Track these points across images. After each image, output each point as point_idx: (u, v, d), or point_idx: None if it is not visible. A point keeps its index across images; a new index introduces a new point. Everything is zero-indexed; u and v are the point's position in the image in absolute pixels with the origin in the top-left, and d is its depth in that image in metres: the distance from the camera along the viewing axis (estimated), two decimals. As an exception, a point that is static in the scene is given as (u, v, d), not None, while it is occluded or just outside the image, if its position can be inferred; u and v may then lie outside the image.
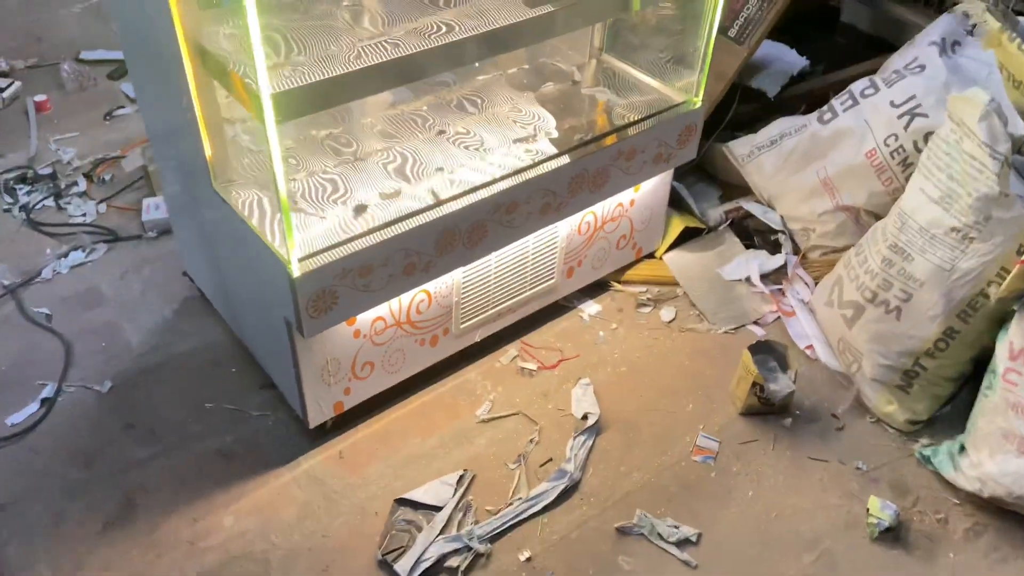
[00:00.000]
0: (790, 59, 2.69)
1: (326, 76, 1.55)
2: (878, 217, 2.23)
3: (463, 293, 2.01)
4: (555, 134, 2.04)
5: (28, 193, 2.68)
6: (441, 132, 2.03)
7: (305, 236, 1.69)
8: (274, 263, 1.64)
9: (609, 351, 2.25)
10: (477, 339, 2.15)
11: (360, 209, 1.78)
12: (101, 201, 2.67)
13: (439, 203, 1.79)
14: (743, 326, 2.35)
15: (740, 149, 2.51)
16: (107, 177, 2.78)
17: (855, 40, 2.97)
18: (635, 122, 2.06)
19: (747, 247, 2.52)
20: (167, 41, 1.58)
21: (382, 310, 1.85)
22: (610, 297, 2.43)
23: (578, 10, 1.85)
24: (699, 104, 2.13)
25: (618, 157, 2.02)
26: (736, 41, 2.42)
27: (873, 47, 2.82)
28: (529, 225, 1.96)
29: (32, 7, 3.76)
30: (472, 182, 1.86)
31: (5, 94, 3.10)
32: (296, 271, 1.59)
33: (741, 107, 2.63)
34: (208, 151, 1.72)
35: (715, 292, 2.42)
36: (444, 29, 1.75)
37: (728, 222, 2.57)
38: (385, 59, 1.62)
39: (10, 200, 2.65)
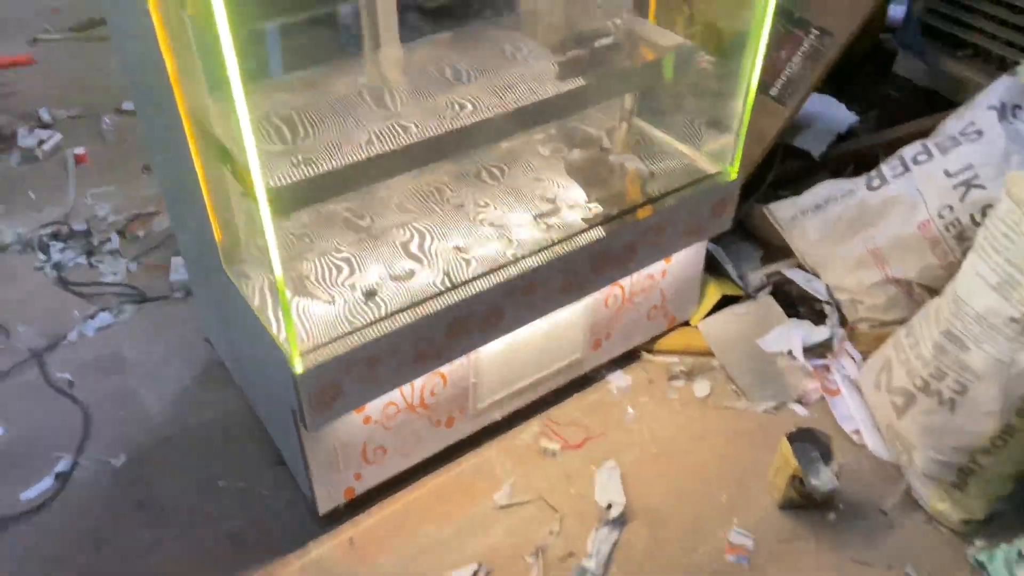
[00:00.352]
0: (837, 115, 2.55)
1: (329, 168, 1.49)
2: (932, 291, 2.07)
3: (480, 373, 1.92)
4: (581, 207, 1.94)
5: (62, 250, 2.70)
6: (460, 206, 1.95)
7: (311, 324, 1.63)
8: (277, 355, 1.57)
9: (638, 430, 2.13)
10: (497, 417, 2.06)
11: (371, 294, 1.71)
12: (132, 259, 2.67)
13: (453, 287, 1.71)
14: (784, 404, 2.20)
15: (783, 212, 2.37)
16: (140, 234, 2.78)
17: (909, 93, 2.80)
18: (665, 195, 1.95)
19: (789, 316, 2.37)
20: (172, 120, 1.54)
21: (393, 395, 1.77)
22: (641, 367, 2.31)
23: (610, 82, 1.77)
24: (735, 176, 2.01)
25: (647, 232, 1.91)
26: (778, 101, 2.29)
27: (928, 102, 2.66)
28: (549, 305, 1.86)
29: (78, 56, 3.84)
30: (490, 261, 1.78)
31: (46, 146, 3.14)
32: (299, 367, 1.52)
33: (784, 164, 2.50)
34: (217, 234, 1.67)
35: (754, 365, 2.28)
36: (466, 107, 1.68)
37: (769, 288, 2.43)
38: (396, 146, 1.56)
39: (43, 258, 2.67)
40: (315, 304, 1.68)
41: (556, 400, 2.19)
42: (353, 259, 1.80)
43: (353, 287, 1.72)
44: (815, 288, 2.33)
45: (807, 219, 2.31)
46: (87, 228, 2.78)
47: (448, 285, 1.72)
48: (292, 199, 1.50)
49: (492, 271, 1.74)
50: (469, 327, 1.73)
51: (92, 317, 2.46)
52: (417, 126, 1.64)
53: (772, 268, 2.48)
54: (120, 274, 2.63)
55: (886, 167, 2.16)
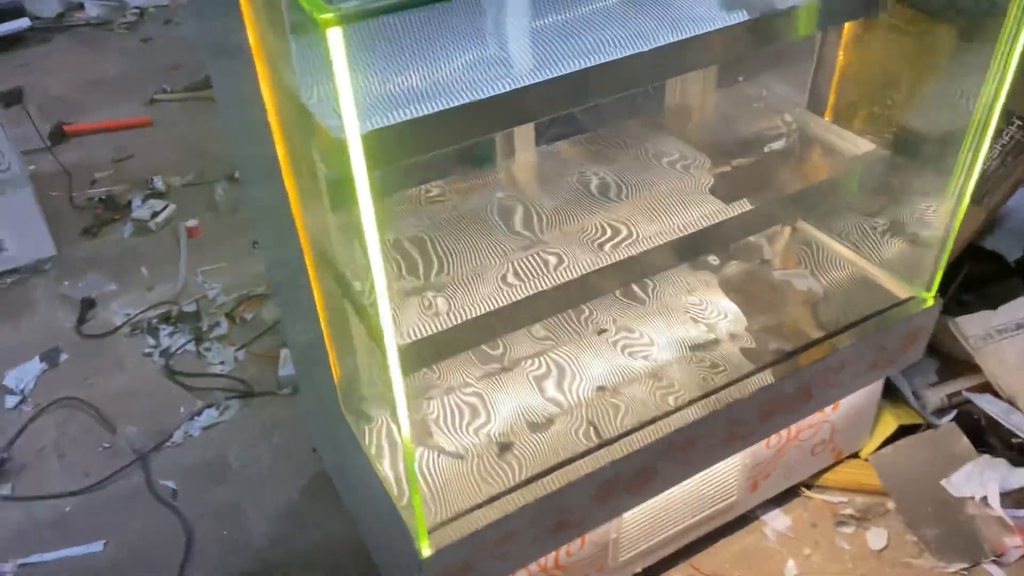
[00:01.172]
0: (1037, 211, 2.18)
1: (468, 318, 1.28)
2: None
3: (623, 528, 1.66)
4: (743, 336, 1.67)
5: (171, 335, 2.60)
6: (602, 331, 1.70)
7: (438, 485, 1.41)
8: (399, 527, 1.36)
9: (801, 588, 1.83)
10: (638, 570, 1.79)
11: (505, 447, 1.48)
12: (240, 347, 2.54)
13: (601, 444, 1.46)
14: (978, 563, 1.85)
15: (973, 329, 2.02)
16: (248, 316, 2.66)
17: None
18: (847, 327, 1.65)
19: (979, 450, 2.01)
20: (291, 242, 1.35)
21: (526, 560, 1.54)
22: (801, 506, 2.00)
23: (783, 206, 1.49)
24: (931, 303, 1.69)
25: (825, 372, 1.62)
26: (973, 201, 1.95)
27: None
28: (709, 460, 1.59)
29: (194, 117, 3.81)
30: (640, 406, 1.52)
31: (160, 218, 3.09)
32: (426, 550, 1.30)
33: (971, 267, 2.15)
34: (335, 373, 1.48)
35: (939, 512, 1.93)
36: (619, 234, 1.44)
37: (952, 413, 2.08)
38: (543, 286, 1.33)
39: (152, 343, 2.58)
40: (442, 459, 1.46)
41: (702, 544, 1.90)
42: (484, 397, 1.58)
43: (486, 433, 1.50)
44: (1015, 423, 1.96)
45: (1005, 340, 1.96)
46: (196, 309, 2.68)
47: (595, 440, 1.47)
48: (424, 355, 1.29)
49: (646, 424, 1.48)
50: (617, 489, 1.47)
51: (198, 414, 2.34)
52: (564, 258, 1.41)
53: (954, 387, 2.12)
54: (227, 363, 2.50)
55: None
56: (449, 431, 1.51)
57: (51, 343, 2.59)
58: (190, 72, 4.17)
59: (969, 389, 2.09)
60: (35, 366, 2.51)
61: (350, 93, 0.81)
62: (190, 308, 2.69)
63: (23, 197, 2.79)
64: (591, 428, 1.50)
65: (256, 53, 1.10)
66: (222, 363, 2.50)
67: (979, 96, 1.45)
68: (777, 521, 1.96)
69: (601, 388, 1.57)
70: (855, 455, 2.05)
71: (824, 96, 1.73)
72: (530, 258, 1.42)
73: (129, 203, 3.19)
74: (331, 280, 1.35)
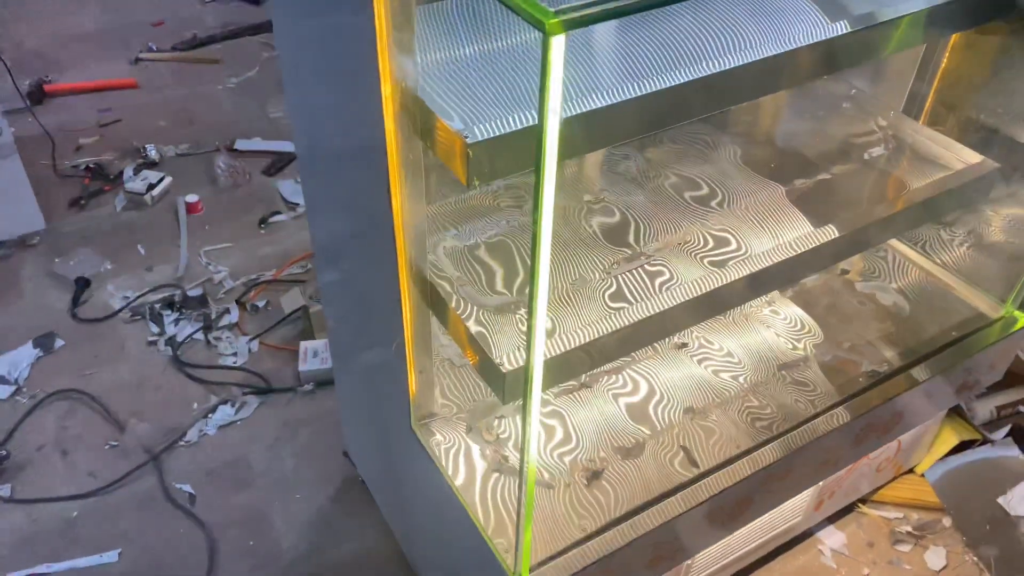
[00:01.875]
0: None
1: (575, 346, 1.16)
2: None
3: (697, 556, 1.57)
4: (829, 354, 1.58)
5: (176, 322, 2.42)
6: (683, 345, 1.60)
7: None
8: (486, 560, 1.24)
9: (863, 610, 1.77)
10: (701, 592, 1.72)
11: (595, 475, 1.37)
12: (253, 338, 2.38)
13: (697, 477, 1.36)
14: (1038, 586, 1.82)
15: (1035, 344, 1.97)
16: (261, 304, 2.49)
17: None
18: (940, 349, 1.57)
19: (1035, 467, 1.98)
20: (378, 244, 1.19)
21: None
22: (855, 522, 1.94)
23: (877, 230, 1.40)
24: (1023, 324, 1.63)
25: (918, 396, 1.54)
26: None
27: None
28: (800, 486, 1.51)
29: (184, 79, 3.57)
30: (730, 429, 1.43)
31: (156, 191, 2.87)
32: (525, 593, 1.19)
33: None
34: (412, 388, 1.35)
35: (997, 530, 1.89)
36: (727, 247, 1.33)
37: (1007, 429, 2.04)
38: (657, 307, 1.21)
39: (156, 330, 2.39)
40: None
41: (760, 562, 1.83)
42: (565, 417, 1.46)
43: (573, 461, 1.39)
44: (1077, 442, 1.93)
45: (1071, 357, 1.91)
46: (203, 294, 2.50)
47: (691, 470, 1.37)
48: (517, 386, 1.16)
49: (745, 454, 1.39)
50: (714, 522, 1.38)
51: (212, 411, 2.17)
52: (672, 273, 1.30)
53: (1004, 399, 2.08)
54: (241, 355, 2.33)
55: None
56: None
57: (44, 327, 2.39)
58: (175, 28, 3.90)
59: (1021, 401, 2.06)
60: (28, 352, 2.31)
61: (559, 106, 0.68)
62: (195, 293, 2.50)
63: (10, 164, 2.56)
64: (683, 453, 1.40)
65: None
66: (235, 355, 2.34)
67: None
68: (832, 538, 1.90)
69: (689, 409, 1.47)
70: (910, 470, 2.00)
71: (921, 99, 1.63)
72: (636, 275, 1.30)
73: (120, 173, 2.96)
74: (418, 291, 1.22)
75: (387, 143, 1.02)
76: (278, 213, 2.83)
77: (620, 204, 1.46)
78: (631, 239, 1.38)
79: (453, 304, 1.21)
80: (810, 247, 1.33)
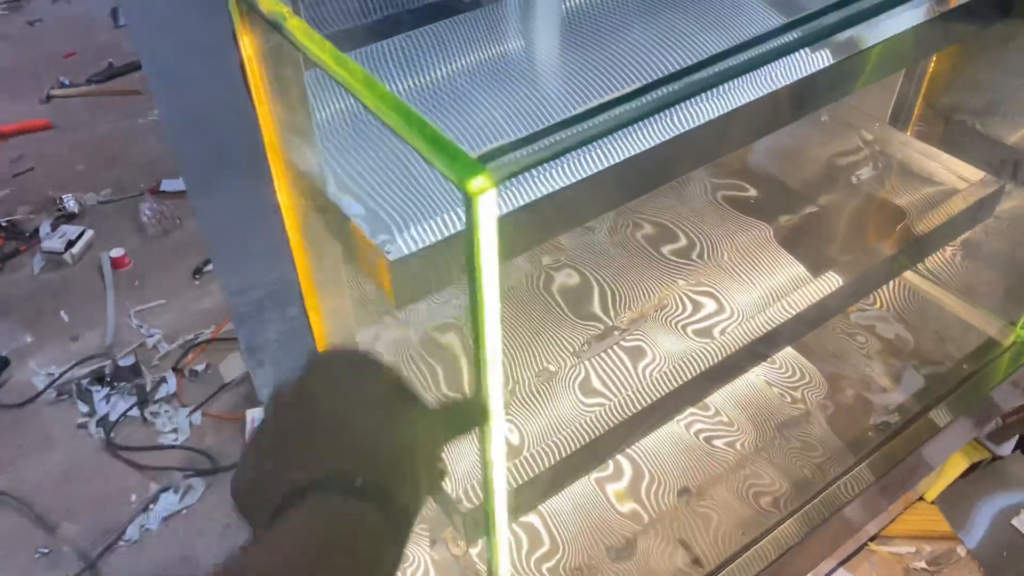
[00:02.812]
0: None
1: (554, 462, 0.97)
2: None
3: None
4: (830, 406, 1.41)
5: (107, 398, 2.19)
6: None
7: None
8: None
9: (884, 664, 1.63)
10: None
11: (583, 587, 1.19)
12: (194, 409, 2.16)
13: (702, 576, 1.19)
14: (1066, 616, 1.69)
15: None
16: (200, 367, 2.27)
17: None
18: (955, 388, 1.41)
19: (1050, 482, 1.85)
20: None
21: None
22: (867, 561, 1.79)
23: (882, 272, 1.23)
24: (1043, 349, 1.47)
25: (937, 443, 1.38)
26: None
27: None
28: (816, 558, 1.35)
29: (102, 115, 3.29)
30: (735, 516, 1.26)
31: (76, 247, 2.62)
32: None
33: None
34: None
35: (1015, 556, 1.76)
36: (712, 309, 1.15)
37: (1014, 441, 1.90)
38: (633, 408, 1.03)
39: (86, 410, 2.16)
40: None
41: (769, 620, 1.68)
42: (546, 516, 1.28)
43: (556, 571, 1.21)
44: (1093, 454, 1.80)
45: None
46: (135, 362, 2.27)
47: (694, 570, 1.19)
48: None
49: (752, 545, 1.22)
50: (721, 622, 1.21)
51: (154, 501, 1.96)
52: (653, 353, 1.11)
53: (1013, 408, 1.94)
54: (181, 431, 2.11)
55: None
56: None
57: (-42, 419, 2.15)
58: (89, 58, 3.61)
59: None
60: (-59, 452, 2.07)
61: (495, 263, 0.48)
62: (127, 362, 2.27)
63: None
64: (683, 549, 1.22)
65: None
66: (175, 431, 2.12)
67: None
68: (844, 582, 1.76)
69: (684, 491, 1.30)
70: (920, 498, 1.85)
71: (909, 107, 1.46)
72: (609, 355, 1.11)
73: (36, 230, 2.70)
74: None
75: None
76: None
77: (585, 264, 1.27)
78: (599, 310, 1.19)
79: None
80: (812, 301, 1.15)
